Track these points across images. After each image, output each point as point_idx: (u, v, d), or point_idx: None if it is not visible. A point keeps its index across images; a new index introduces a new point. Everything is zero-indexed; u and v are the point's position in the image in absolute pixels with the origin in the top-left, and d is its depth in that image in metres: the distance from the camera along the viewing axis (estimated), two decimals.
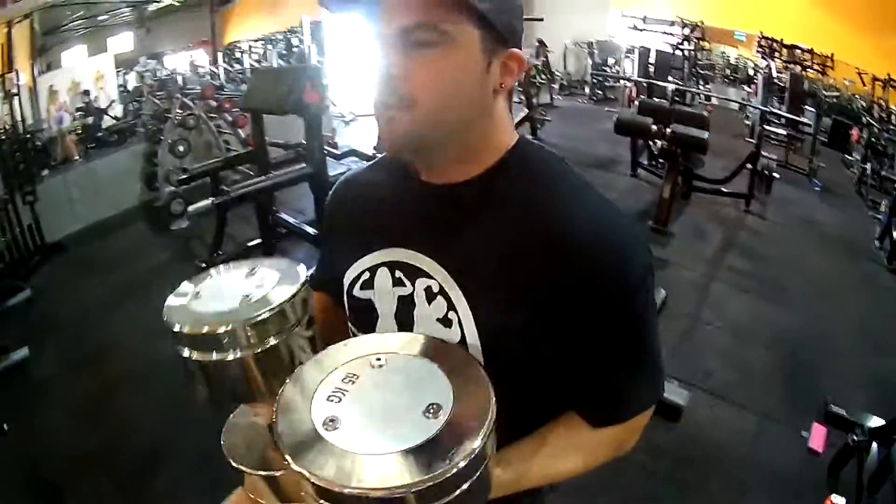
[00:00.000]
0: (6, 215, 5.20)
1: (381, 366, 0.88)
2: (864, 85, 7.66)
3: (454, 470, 0.69)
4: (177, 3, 8.76)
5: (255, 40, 10.12)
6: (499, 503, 0.98)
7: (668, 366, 3.28)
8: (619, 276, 0.96)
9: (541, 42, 10.56)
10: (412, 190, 1.09)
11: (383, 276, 1.11)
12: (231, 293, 1.05)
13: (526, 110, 8.14)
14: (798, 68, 8.44)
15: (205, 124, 6.75)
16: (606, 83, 11.17)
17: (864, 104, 7.66)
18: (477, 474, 0.73)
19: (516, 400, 0.83)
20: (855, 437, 2.31)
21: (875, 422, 2.31)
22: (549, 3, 10.67)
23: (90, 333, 4.20)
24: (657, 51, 9.25)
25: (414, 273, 1.06)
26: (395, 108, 0.95)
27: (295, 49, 10.10)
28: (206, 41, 9.42)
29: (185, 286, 1.12)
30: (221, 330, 0.96)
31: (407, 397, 0.81)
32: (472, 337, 1.00)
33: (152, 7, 8.21)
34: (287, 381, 0.89)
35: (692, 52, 9.93)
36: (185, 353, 1.00)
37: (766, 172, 6.05)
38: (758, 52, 9.37)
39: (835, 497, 2.21)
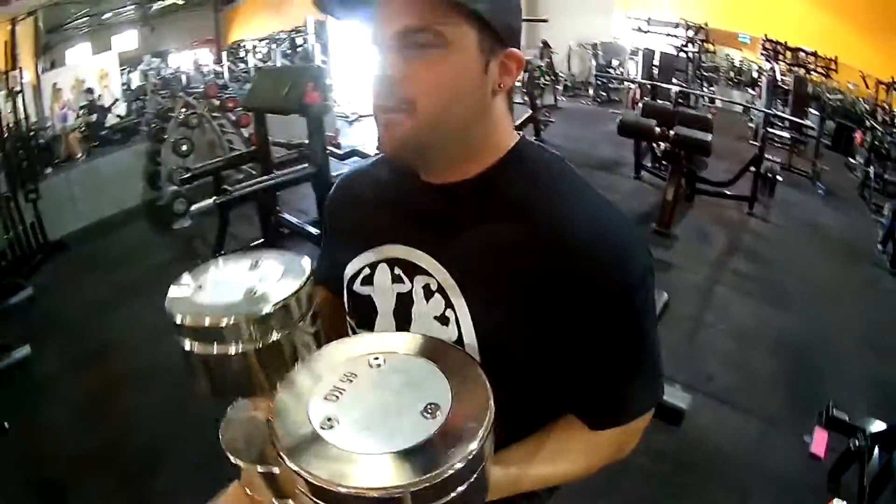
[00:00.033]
0: (8, 213, 5.20)
1: (379, 365, 0.88)
2: (868, 88, 7.64)
3: (451, 471, 0.69)
4: (181, 2, 8.76)
5: (260, 39, 10.12)
6: None
7: (671, 369, 3.29)
8: (619, 277, 0.96)
9: (545, 43, 10.55)
10: (413, 188, 1.09)
11: (383, 272, 1.11)
12: (234, 286, 1.05)
13: (529, 111, 8.12)
14: (802, 71, 8.43)
15: (208, 123, 6.75)
16: (610, 85, 11.15)
17: (867, 107, 7.63)
18: (474, 476, 0.73)
19: (513, 400, 0.83)
20: (856, 442, 2.30)
21: (877, 426, 2.30)
22: (553, 5, 10.68)
23: (92, 332, 4.20)
24: (661, 53, 9.25)
25: (413, 270, 1.06)
26: (394, 111, 0.95)
27: (299, 49, 10.10)
28: (211, 40, 9.42)
29: (187, 277, 1.12)
30: (224, 323, 0.96)
31: (405, 397, 0.81)
32: (469, 336, 1.00)
33: (157, 5, 8.21)
34: (284, 378, 0.88)
35: (696, 54, 9.92)
36: (187, 345, 1.00)
37: (770, 175, 6.05)
38: (762, 54, 9.35)
39: (836, 502, 2.20)
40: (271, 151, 5.25)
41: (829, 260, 5.13)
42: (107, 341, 4.06)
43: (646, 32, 11.24)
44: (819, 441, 2.63)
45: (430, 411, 0.77)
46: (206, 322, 0.97)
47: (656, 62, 9.20)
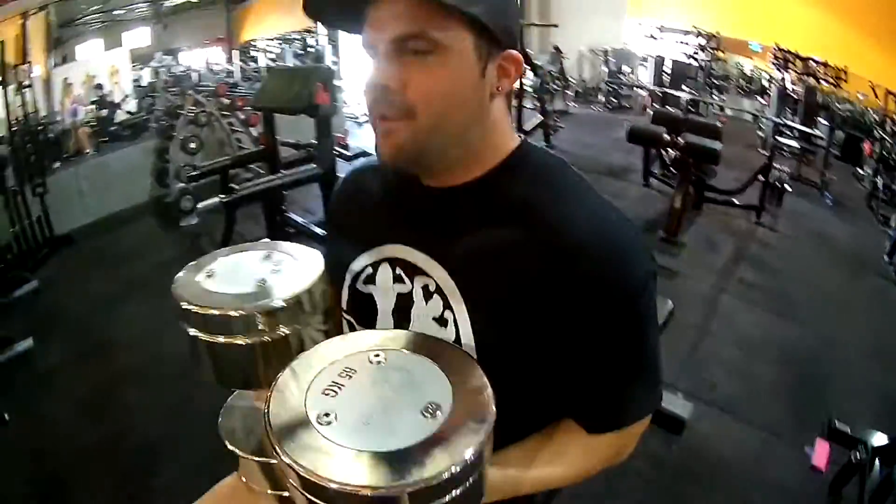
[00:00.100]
0: (15, 206, 5.21)
1: (379, 362, 0.88)
2: (878, 98, 7.61)
3: (449, 474, 0.68)
4: (194, 0, 8.79)
5: (271, 39, 10.14)
6: None
7: (674, 377, 3.29)
8: (620, 281, 0.95)
9: (556, 48, 10.54)
10: (414, 189, 1.08)
11: (385, 272, 1.11)
12: (246, 275, 1.06)
13: (540, 116, 8.11)
14: (812, 80, 8.40)
15: (217, 122, 6.76)
16: (621, 91, 11.13)
17: (876, 118, 7.61)
18: (472, 479, 0.72)
19: (510, 402, 0.82)
20: (857, 455, 2.29)
21: (878, 439, 2.29)
22: (565, 10, 10.69)
23: (95, 327, 4.20)
24: (672, 60, 9.25)
25: (413, 271, 1.06)
26: (391, 119, 0.95)
27: (311, 49, 10.12)
28: (223, 39, 9.44)
29: (197, 263, 1.12)
30: (233, 314, 0.97)
31: (405, 395, 0.80)
32: (467, 337, 1.00)
33: (169, 3, 8.23)
34: (283, 371, 0.88)
35: (707, 62, 9.90)
36: (192, 331, 0.99)
37: (778, 184, 6.02)
38: (772, 63, 9.32)
39: None
40: (279, 151, 5.26)
41: (836, 271, 5.10)
42: (110, 337, 4.07)
43: (657, 39, 11.23)
44: (820, 453, 2.62)
45: (429, 411, 0.76)
46: (214, 311, 0.97)
47: (667, 69, 9.20)
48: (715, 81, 10.23)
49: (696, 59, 9.70)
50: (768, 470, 2.86)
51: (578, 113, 10.65)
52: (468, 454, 0.70)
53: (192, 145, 6.37)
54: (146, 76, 7.99)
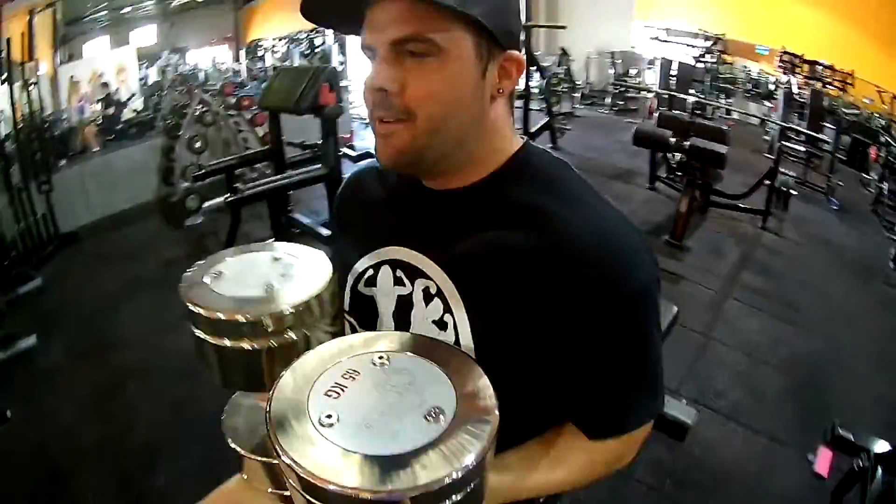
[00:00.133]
0: (20, 204, 5.22)
1: (383, 364, 0.87)
2: (884, 103, 7.60)
3: (450, 479, 0.67)
4: None
5: (279, 39, 10.13)
6: None
7: (678, 383, 3.29)
8: (622, 285, 0.94)
9: (563, 50, 10.54)
10: (416, 191, 1.08)
11: (385, 274, 1.11)
12: (255, 278, 1.05)
13: (546, 118, 8.11)
14: (818, 84, 8.39)
15: (223, 121, 6.77)
16: (627, 94, 11.11)
17: (882, 123, 7.59)
18: (473, 484, 0.71)
19: (509, 406, 0.81)
20: (860, 463, 2.27)
21: (881, 447, 2.27)
22: (573, 12, 10.69)
23: (99, 325, 4.21)
24: (679, 63, 9.23)
25: (414, 273, 1.06)
26: (391, 122, 0.94)
27: (318, 49, 10.11)
28: (230, 38, 9.44)
29: (206, 262, 1.11)
30: (241, 318, 0.96)
31: (408, 399, 0.80)
32: (467, 340, 1.00)
33: (177, 2, 8.23)
34: (285, 371, 0.87)
35: (714, 65, 9.89)
36: (199, 333, 0.99)
37: (784, 189, 6.01)
38: (779, 66, 9.31)
39: None
40: (285, 151, 5.26)
41: (842, 277, 5.09)
42: (113, 334, 4.08)
43: (664, 42, 11.23)
44: (823, 460, 2.61)
45: (433, 415, 0.75)
46: (221, 315, 0.97)
47: (674, 72, 9.19)
48: (721, 85, 10.21)
49: (702, 62, 9.69)
50: (771, 477, 2.85)
51: (585, 115, 10.64)
52: (470, 461, 0.69)
53: (198, 144, 6.37)
54: (153, 75, 7.99)
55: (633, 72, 11.40)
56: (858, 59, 8.15)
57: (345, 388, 0.82)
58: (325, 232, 4.66)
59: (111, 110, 7.05)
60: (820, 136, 7.18)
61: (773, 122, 7.86)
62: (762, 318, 4.30)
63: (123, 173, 6.56)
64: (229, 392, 1.23)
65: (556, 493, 1.18)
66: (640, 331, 1.00)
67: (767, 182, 5.88)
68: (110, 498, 2.76)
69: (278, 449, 0.72)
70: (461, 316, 1.01)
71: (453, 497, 0.69)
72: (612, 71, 11.31)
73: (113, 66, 7.11)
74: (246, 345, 0.98)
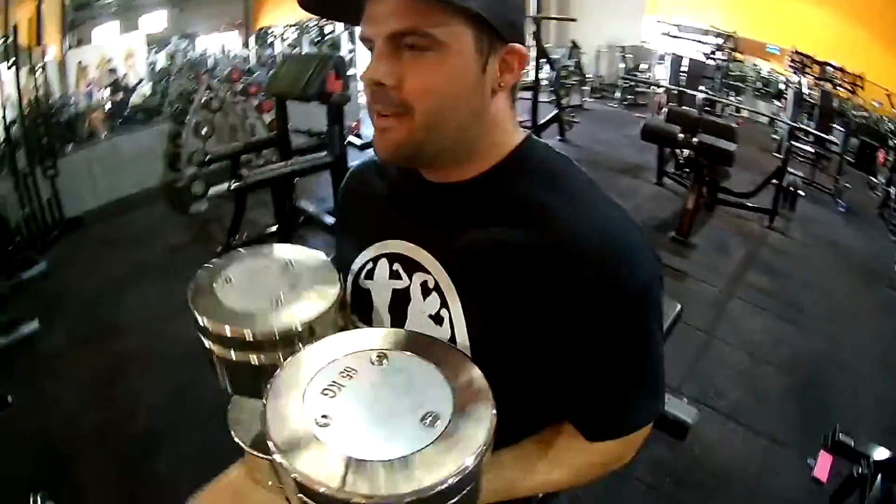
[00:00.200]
0: (26, 188, 5.23)
1: (381, 363, 0.86)
2: (893, 107, 7.55)
3: (444, 486, 0.67)
4: None
5: (289, 26, 10.10)
6: None
7: (679, 381, 3.28)
8: (623, 283, 0.93)
9: (574, 43, 10.50)
10: (417, 185, 1.07)
11: (382, 267, 1.11)
12: (263, 288, 1.05)
13: (555, 110, 8.09)
14: (829, 86, 8.34)
15: (230, 107, 6.77)
16: (637, 88, 11.07)
17: (891, 126, 7.55)
18: (466, 490, 0.71)
19: (504, 403, 0.80)
20: (859, 469, 2.27)
21: (881, 454, 2.26)
22: (584, 5, 10.62)
23: (102, 310, 4.22)
24: (690, 59, 9.19)
25: (412, 267, 1.05)
26: (389, 116, 0.93)
27: (328, 37, 10.09)
28: (240, 24, 9.42)
29: (216, 264, 1.11)
30: (247, 335, 0.96)
31: (405, 401, 0.79)
32: (462, 336, 0.99)
33: None
34: (282, 367, 0.87)
35: (724, 63, 9.84)
36: (207, 343, 1.00)
37: (792, 189, 5.99)
38: (789, 66, 9.25)
39: None
40: (291, 138, 5.25)
41: (847, 280, 5.06)
42: (116, 320, 4.08)
43: (675, 38, 11.18)
44: (823, 465, 2.60)
45: (429, 419, 0.75)
46: (227, 331, 0.97)
47: (684, 68, 9.15)
48: (731, 82, 10.16)
49: (713, 59, 9.64)
50: (770, 479, 2.85)
51: (594, 108, 10.61)
52: (463, 469, 0.69)
53: (204, 130, 6.37)
54: (161, 60, 7.99)
55: (643, 66, 11.35)
56: (869, 61, 8.10)
57: (342, 388, 0.81)
58: (330, 220, 4.67)
59: (119, 96, 7.04)
60: (829, 137, 7.14)
61: (782, 122, 7.82)
62: (766, 318, 4.29)
63: (130, 158, 6.55)
64: None
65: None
66: (641, 331, 0.99)
67: (775, 181, 5.85)
68: (111, 483, 2.78)
69: (273, 448, 0.72)
70: (457, 311, 1.00)
71: (447, 503, 0.69)
72: (622, 65, 11.26)
73: (122, 51, 7.09)
74: (253, 359, 0.98)
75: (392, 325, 1.09)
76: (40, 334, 3.87)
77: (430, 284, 1.03)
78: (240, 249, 1.19)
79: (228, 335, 0.97)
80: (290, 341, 0.96)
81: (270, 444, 0.72)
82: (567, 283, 0.92)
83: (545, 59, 7.79)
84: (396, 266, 1.08)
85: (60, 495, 2.56)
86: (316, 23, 9.98)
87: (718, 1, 10.79)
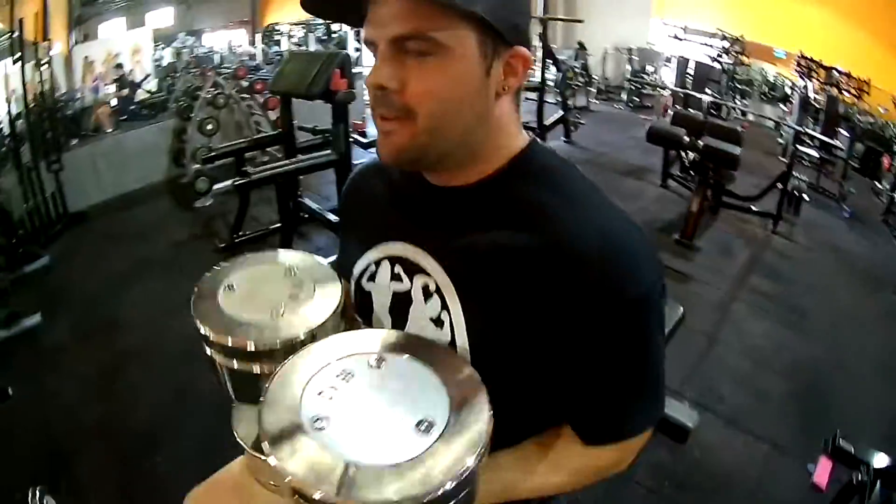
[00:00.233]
0: (29, 183, 5.24)
1: (379, 366, 0.86)
2: None
3: (438, 493, 0.67)
4: None
5: (295, 23, 10.10)
6: None
7: (681, 384, 3.27)
8: (625, 288, 0.92)
9: (581, 45, 10.49)
10: (419, 188, 1.07)
11: (384, 270, 1.10)
12: (265, 297, 1.06)
13: (561, 112, 8.09)
14: (834, 90, 8.33)
15: (236, 104, 6.78)
16: (643, 90, 11.06)
17: None
18: (460, 496, 0.71)
19: (504, 406, 0.81)
20: (859, 476, 2.26)
21: (881, 461, 2.25)
22: (591, 6, 10.62)
23: (104, 305, 4.22)
24: (696, 62, 9.19)
25: (413, 270, 1.05)
26: (392, 119, 0.92)
27: (335, 35, 10.09)
28: (246, 21, 9.43)
29: (220, 270, 1.11)
30: (249, 346, 0.96)
31: (401, 406, 0.79)
32: (462, 339, 0.99)
33: None
34: (282, 365, 0.87)
35: (731, 66, 9.83)
36: (209, 351, 1.01)
37: (797, 194, 5.97)
38: (796, 70, 9.24)
39: None
40: (296, 136, 5.25)
41: (850, 286, 5.04)
42: (118, 315, 4.09)
43: (682, 40, 11.17)
44: (822, 471, 2.59)
45: (424, 426, 0.75)
46: (229, 342, 0.97)
47: (690, 71, 9.15)
48: (738, 86, 10.15)
49: (719, 63, 9.63)
50: (769, 485, 2.84)
51: (600, 110, 10.61)
52: (458, 475, 0.69)
53: (209, 127, 6.39)
54: (168, 56, 8.00)
55: (649, 69, 11.35)
56: (875, 67, 8.08)
57: (339, 390, 0.81)
58: (334, 218, 4.66)
59: (125, 91, 7.05)
60: (834, 142, 7.13)
61: (787, 126, 7.81)
62: (768, 323, 4.27)
63: (135, 154, 6.57)
64: None
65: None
66: (641, 336, 0.99)
67: (780, 185, 5.84)
68: (110, 478, 2.77)
69: (267, 449, 0.72)
70: (457, 314, 0.99)
71: None
72: (628, 67, 11.26)
73: (128, 46, 7.10)
74: (255, 368, 0.98)
75: (393, 328, 1.09)
76: (42, 328, 3.88)
77: (432, 287, 1.03)
78: (245, 255, 1.19)
79: (230, 346, 0.97)
80: (293, 350, 0.95)
81: (265, 445, 0.72)
82: (568, 286, 0.91)
83: (551, 60, 7.77)
84: (398, 269, 1.08)
85: (60, 488, 2.58)
86: (323, 21, 9.99)
87: (725, 4, 10.78)
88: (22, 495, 1.81)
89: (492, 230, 0.99)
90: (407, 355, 0.89)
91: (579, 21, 8.93)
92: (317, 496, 0.66)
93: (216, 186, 5.75)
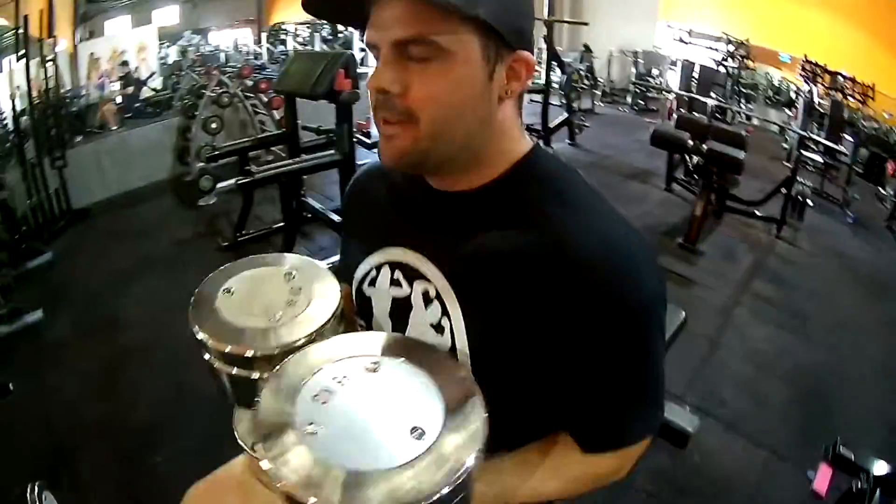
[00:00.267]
0: (33, 179, 5.24)
1: (374, 371, 0.86)
2: None
3: (433, 498, 0.67)
4: None
5: (301, 23, 10.11)
6: None
7: (682, 388, 3.27)
8: (626, 296, 0.92)
9: (586, 47, 10.49)
10: (421, 192, 1.07)
11: (384, 275, 1.10)
12: (263, 301, 1.05)
13: (566, 114, 8.08)
14: (839, 95, 8.31)
15: (240, 103, 6.79)
16: (648, 94, 11.05)
17: None
18: (455, 500, 0.70)
19: (503, 411, 0.81)
20: (859, 484, 2.25)
21: (882, 468, 2.24)
22: (596, 9, 10.63)
23: (106, 302, 4.23)
24: (701, 65, 9.17)
25: (413, 275, 1.05)
26: (394, 123, 0.92)
27: (340, 34, 10.10)
28: (252, 20, 9.45)
29: (219, 274, 1.12)
30: (246, 353, 0.96)
31: (396, 411, 0.79)
32: (462, 345, 0.98)
33: None
34: (279, 367, 0.86)
35: (736, 70, 9.82)
36: (207, 357, 1.01)
37: (801, 199, 5.95)
38: (801, 75, 9.23)
39: None
40: (300, 135, 5.25)
41: (854, 292, 5.02)
42: (120, 312, 4.10)
43: (687, 44, 11.15)
44: (822, 478, 2.58)
45: (418, 432, 0.75)
46: (227, 349, 0.97)
47: (695, 74, 9.14)
48: (743, 90, 10.13)
49: (724, 66, 9.61)
50: (769, 491, 2.83)
51: (605, 113, 10.61)
52: (451, 482, 0.69)
53: (213, 125, 6.41)
54: (173, 54, 8.01)
55: (654, 72, 11.33)
56: (880, 72, 8.06)
57: (333, 394, 0.81)
58: (337, 218, 4.66)
59: (130, 89, 7.07)
60: (838, 147, 7.11)
61: (792, 131, 7.79)
62: (771, 328, 4.26)
63: (139, 151, 6.59)
64: None
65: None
66: (642, 345, 0.98)
67: (784, 190, 5.82)
68: (110, 474, 2.77)
69: (260, 452, 0.72)
70: (458, 320, 0.99)
71: None
72: (633, 70, 11.25)
73: (134, 44, 7.12)
74: (253, 374, 0.98)
75: (404, 335, 1.08)
76: (44, 324, 3.89)
77: (432, 293, 1.02)
78: (248, 257, 1.19)
79: (229, 352, 0.97)
80: (289, 355, 0.96)
81: (258, 449, 0.72)
82: (569, 293, 0.91)
83: (556, 63, 7.77)
84: (397, 274, 1.08)
85: (60, 484, 2.57)
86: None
87: (731, 8, 10.76)
88: (21, 490, 1.82)
89: (494, 236, 0.98)
90: (403, 359, 0.88)
91: (585, 23, 8.94)
92: (310, 502, 0.66)
93: (220, 185, 5.76)
